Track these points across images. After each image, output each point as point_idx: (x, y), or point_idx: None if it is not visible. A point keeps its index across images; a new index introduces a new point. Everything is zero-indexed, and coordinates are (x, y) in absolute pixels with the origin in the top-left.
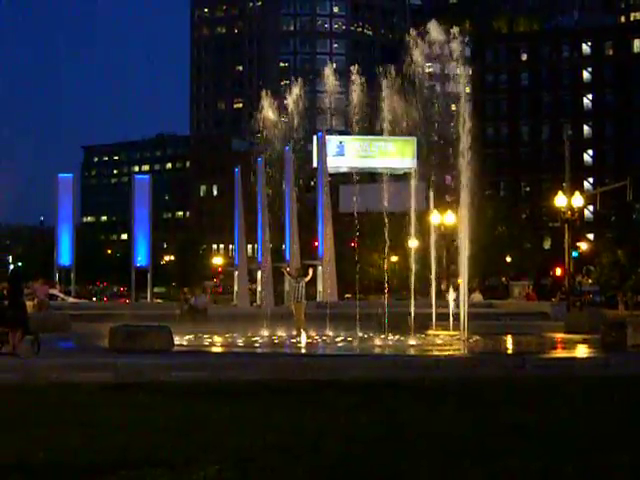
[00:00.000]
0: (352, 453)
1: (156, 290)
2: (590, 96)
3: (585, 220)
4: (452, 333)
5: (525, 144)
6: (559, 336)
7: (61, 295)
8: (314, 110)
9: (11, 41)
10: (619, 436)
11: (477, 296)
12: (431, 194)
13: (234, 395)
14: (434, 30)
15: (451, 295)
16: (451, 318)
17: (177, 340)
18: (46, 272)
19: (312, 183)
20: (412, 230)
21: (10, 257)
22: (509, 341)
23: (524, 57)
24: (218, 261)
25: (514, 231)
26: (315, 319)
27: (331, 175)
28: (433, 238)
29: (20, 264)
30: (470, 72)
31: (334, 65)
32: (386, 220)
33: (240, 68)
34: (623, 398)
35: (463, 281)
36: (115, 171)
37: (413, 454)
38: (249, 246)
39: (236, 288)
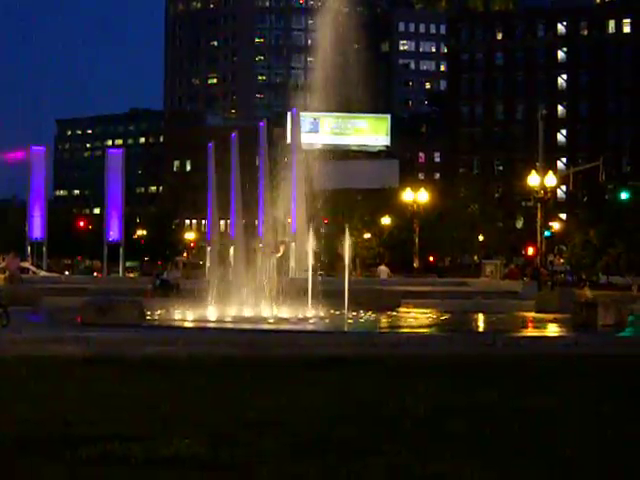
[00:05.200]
0: (320, 429)
1: (128, 264)
2: (564, 76)
3: (558, 200)
4: (424, 311)
5: (499, 123)
6: (530, 315)
7: (33, 268)
8: (288, 86)
9: None
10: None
11: (384, 270)
12: None
13: (204, 370)
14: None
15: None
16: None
17: (149, 315)
18: (18, 246)
19: (286, 159)
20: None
21: None
22: (480, 319)
23: (499, 36)
24: (190, 236)
25: (487, 210)
26: (287, 295)
27: (305, 152)
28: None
29: None
30: (445, 51)
31: (309, 42)
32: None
33: (215, 43)
34: (588, 376)
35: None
36: (88, 145)
37: (379, 430)
38: (222, 222)
39: (208, 263)
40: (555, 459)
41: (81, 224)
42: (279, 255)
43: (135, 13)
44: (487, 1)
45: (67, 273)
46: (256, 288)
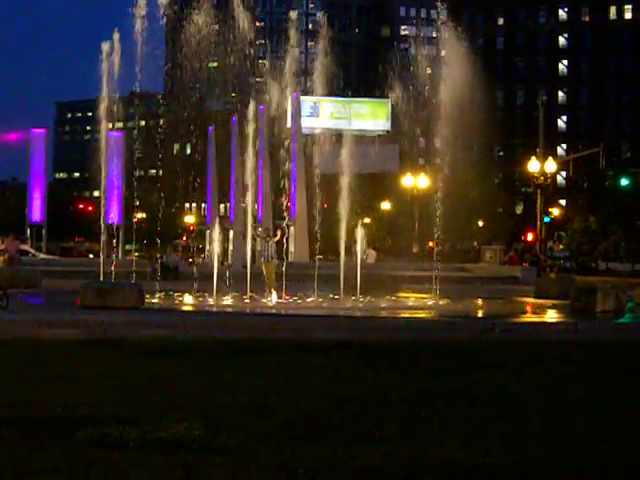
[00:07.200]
0: (318, 412)
1: (127, 247)
2: (565, 62)
3: (558, 186)
4: (423, 296)
5: (500, 109)
6: (529, 301)
7: (32, 251)
8: (289, 70)
9: None
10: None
11: (371, 254)
12: None
13: (203, 353)
14: None
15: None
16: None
17: (148, 298)
18: (18, 228)
19: (286, 144)
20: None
21: None
22: (479, 305)
23: (500, 21)
24: (190, 219)
25: (486, 195)
26: (286, 279)
27: (305, 136)
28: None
29: None
30: (446, 36)
31: (310, 26)
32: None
33: (216, 27)
34: (584, 362)
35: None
36: (88, 128)
37: (376, 413)
38: (222, 205)
39: (208, 247)
40: (534, 440)
41: (81, 207)
42: (276, 239)
43: None
44: None
45: (91, 256)
46: (258, 273)
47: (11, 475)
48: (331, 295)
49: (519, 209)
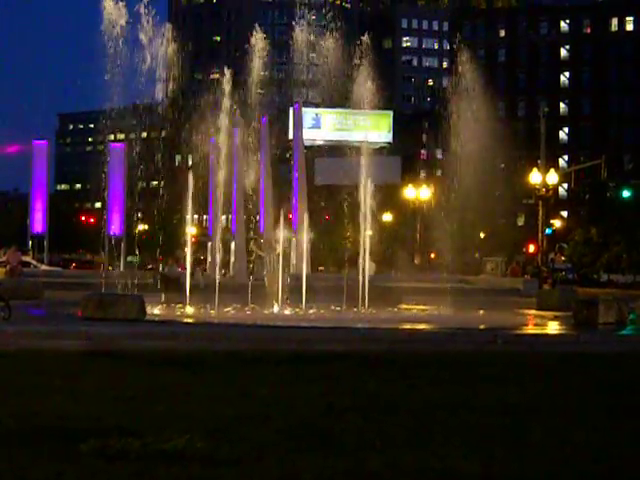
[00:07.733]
0: (320, 422)
1: (130, 259)
2: (567, 73)
3: (559, 197)
4: (424, 307)
5: (501, 120)
6: (531, 312)
7: (34, 262)
8: (291, 82)
9: None
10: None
11: (371, 265)
12: None
13: (205, 365)
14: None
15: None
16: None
17: (149, 309)
18: (19, 239)
19: (288, 155)
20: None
21: None
22: (481, 316)
23: (502, 33)
24: (192, 231)
25: (488, 207)
26: (288, 291)
27: (307, 148)
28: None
29: None
30: (448, 47)
31: (311, 37)
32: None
33: (217, 38)
34: (586, 374)
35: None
36: (90, 139)
37: (378, 423)
38: (223, 217)
39: (209, 258)
40: (535, 451)
41: (82, 218)
42: (277, 252)
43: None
44: None
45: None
46: (257, 284)
47: None
48: (333, 306)
49: (521, 221)
